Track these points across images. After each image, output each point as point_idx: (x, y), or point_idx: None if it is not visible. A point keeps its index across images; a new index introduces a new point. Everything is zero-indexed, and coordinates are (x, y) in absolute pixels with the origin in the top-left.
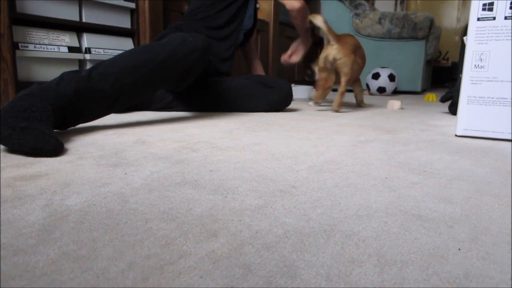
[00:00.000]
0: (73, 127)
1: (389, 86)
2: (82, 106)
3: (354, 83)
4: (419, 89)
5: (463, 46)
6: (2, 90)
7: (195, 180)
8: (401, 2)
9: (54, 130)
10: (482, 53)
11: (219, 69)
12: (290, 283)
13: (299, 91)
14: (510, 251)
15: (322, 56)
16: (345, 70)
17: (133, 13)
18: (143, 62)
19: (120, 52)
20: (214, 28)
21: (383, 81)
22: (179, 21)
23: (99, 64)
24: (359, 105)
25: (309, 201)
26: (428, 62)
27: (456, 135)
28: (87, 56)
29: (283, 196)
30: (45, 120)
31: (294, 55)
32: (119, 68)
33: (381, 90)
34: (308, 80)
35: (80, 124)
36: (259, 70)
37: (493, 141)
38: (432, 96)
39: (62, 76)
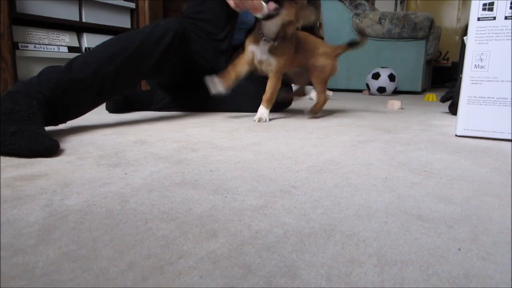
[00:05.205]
0: (64, 123)
1: (389, 86)
2: (67, 98)
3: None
4: (419, 89)
5: (463, 46)
6: (2, 90)
7: (195, 180)
8: (401, 2)
9: (47, 127)
10: (482, 53)
11: (215, 64)
12: (290, 283)
13: None
14: (510, 251)
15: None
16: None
17: (133, 13)
18: (120, 49)
19: None
20: (206, 21)
21: (383, 81)
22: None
23: (78, 57)
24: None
25: (309, 201)
26: (428, 62)
27: (456, 135)
28: None
29: (283, 196)
30: (33, 118)
31: None
32: (98, 57)
33: (381, 90)
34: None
35: (71, 119)
36: None
37: (493, 141)
38: (432, 96)
39: (43, 71)
